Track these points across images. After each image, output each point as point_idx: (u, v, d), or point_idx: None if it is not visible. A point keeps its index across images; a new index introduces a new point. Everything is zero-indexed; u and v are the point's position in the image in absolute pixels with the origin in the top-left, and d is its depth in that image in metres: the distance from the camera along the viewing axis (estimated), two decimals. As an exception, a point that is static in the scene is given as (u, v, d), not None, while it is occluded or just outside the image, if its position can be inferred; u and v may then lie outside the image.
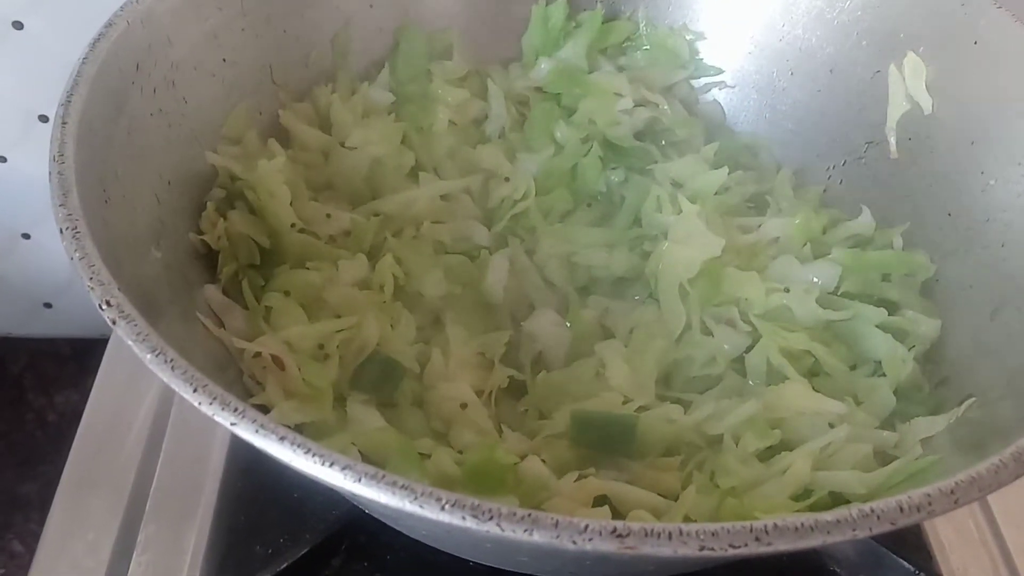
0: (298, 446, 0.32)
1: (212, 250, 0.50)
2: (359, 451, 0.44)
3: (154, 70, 0.49)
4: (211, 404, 0.33)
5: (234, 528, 0.53)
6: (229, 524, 0.54)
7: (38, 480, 0.92)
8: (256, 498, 0.54)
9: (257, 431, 0.33)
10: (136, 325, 0.35)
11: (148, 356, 0.34)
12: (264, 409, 0.44)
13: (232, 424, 0.33)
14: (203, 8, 0.53)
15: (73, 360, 1.00)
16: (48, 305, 0.97)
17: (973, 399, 0.45)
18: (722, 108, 0.66)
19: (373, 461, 0.43)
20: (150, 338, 0.35)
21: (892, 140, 0.58)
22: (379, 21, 0.62)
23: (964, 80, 0.54)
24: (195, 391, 0.34)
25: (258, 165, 0.52)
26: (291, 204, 0.52)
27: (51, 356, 1.00)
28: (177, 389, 0.34)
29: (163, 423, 0.60)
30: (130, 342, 0.35)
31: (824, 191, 0.61)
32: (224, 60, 0.54)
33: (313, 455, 0.32)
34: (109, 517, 0.55)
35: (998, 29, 0.53)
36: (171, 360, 0.34)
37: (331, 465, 0.32)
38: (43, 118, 0.80)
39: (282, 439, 0.32)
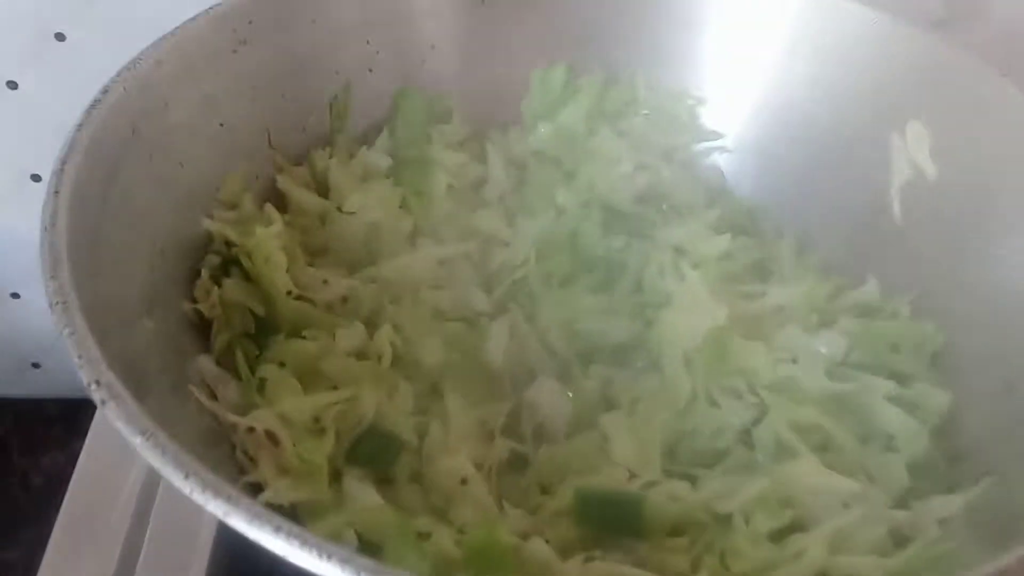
0: (294, 538, 0.31)
1: (205, 319, 0.49)
2: (356, 532, 0.42)
3: (150, 135, 0.48)
4: (203, 492, 0.32)
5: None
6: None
7: (21, 546, 0.90)
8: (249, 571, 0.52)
9: (251, 522, 0.31)
10: (126, 406, 0.34)
11: (138, 440, 0.33)
12: (258, 487, 0.42)
13: (225, 514, 0.31)
14: (200, 73, 0.52)
15: (60, 421, 0.97)
16: (36, 365, 0.96)
17: (990, 478, 0.43)
18: (722, 172, 0.66)
19: (371, 542, 0.42)
20: (139, 420, 0.33)
21: (896, 206, 0.57)
22: (378, 85, 0.61)
23: (968, 148, 0.54)
24: (186, 477, 0.32)
25: (255, 231, 0.51)
26: (287, 270, 0.51)
27: (38, 417, 0.97)
28: (167, 476, 0.32)
29: (153, 488, 0.58)
30: (119, 425, 0.33)
31: (827, 257, 0.60)
32: (221, 124, 0.53)
33: (310, 547, 0.31)
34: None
35: (1001, 97, 0.53)
36: (161, 444, 0.33)
37: (329, 558, 0.30)
38: (35, 177, 0.79)
39: (277, 529, 0.31)
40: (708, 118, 0.65)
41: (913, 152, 0.56)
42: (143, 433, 0.33)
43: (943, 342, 0.53)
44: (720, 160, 0.66)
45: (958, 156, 0.55)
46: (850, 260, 0.59)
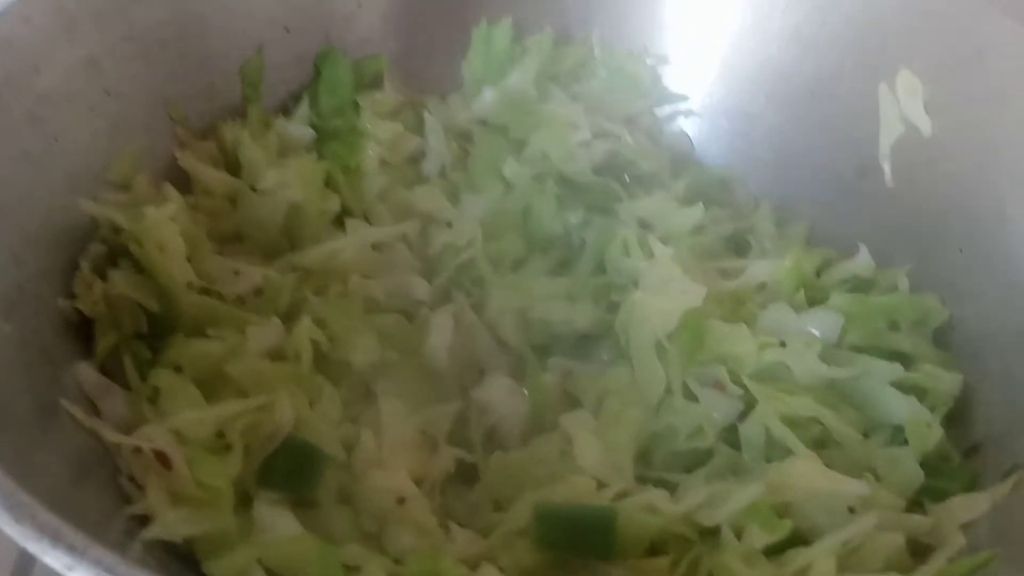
0: (157, 597, 0.23)
1: (87, 319, 0.42)
2: (267, 570, 0.35)
3: (15, 103, 0.41)
4: (39, 541, 0.24)
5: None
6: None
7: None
8: None
9: (100, 577, 0.24)
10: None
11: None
12: (146, 520, 0.35)
13: (68, 568, 0.24)
14: (80, 32, 0.45)
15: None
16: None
17: (1019, 472, 0.37)
18: (690, 139, 0.60)
19: (287, 581, 0.35)
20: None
21: (887, 167, 0.52)
22: (296, 47, 0.55)
23: (968, 97, 0.49)
24: (18, 522, 0.25)
25: (145, 213, 0.44)
26: (189, 260, 0.45)
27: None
28: (-7, 520, 0.25)
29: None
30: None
31: (812, 226, 0.55)
32: (107, 92, 0.47)
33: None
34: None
35: (1004, 38, 0.47)
36: (-14, 478, 0.25)
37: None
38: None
39: (136, 588, 0.23)
40: (672, 79, 0.60)
41: (905, 105, 0.51)
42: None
43: (947, 317, 0.47)
44: (687, 124, 0.60)
45: (956, 107, 0.49)
46: (837, 229, 0.53)
